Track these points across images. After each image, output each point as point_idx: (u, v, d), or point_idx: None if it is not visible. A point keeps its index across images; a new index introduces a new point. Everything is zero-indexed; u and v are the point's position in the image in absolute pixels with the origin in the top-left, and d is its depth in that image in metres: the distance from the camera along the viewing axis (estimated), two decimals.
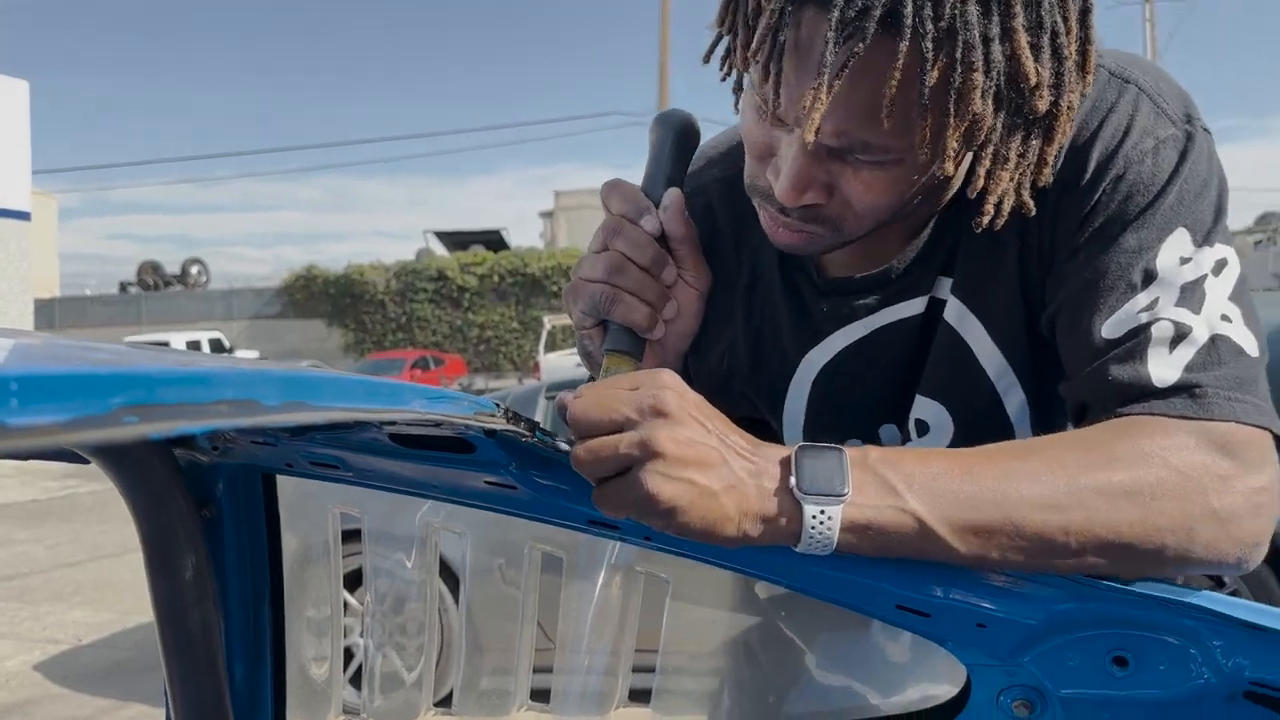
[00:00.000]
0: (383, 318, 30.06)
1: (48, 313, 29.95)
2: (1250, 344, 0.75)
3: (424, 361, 23.50)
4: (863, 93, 0.70)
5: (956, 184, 0.82)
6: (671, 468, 0.65)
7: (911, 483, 0.68)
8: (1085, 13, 0.74)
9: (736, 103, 0.84)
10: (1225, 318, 0.75)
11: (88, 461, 0.75)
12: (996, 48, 0.69)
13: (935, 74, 0.68)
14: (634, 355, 0.84)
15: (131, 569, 6.70)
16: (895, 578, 0.70)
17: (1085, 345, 0.77)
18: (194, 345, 26.14)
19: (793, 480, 0.67)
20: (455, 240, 34.03)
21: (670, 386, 0.69)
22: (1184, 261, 0.76)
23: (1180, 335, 0.74)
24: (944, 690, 0.76)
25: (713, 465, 0.67)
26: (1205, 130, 0.81)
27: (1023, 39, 0.69)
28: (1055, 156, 0.77)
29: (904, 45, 0.67)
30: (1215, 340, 0.74)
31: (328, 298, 30.77)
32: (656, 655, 0.86)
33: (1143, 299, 0.76)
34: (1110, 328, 0.76)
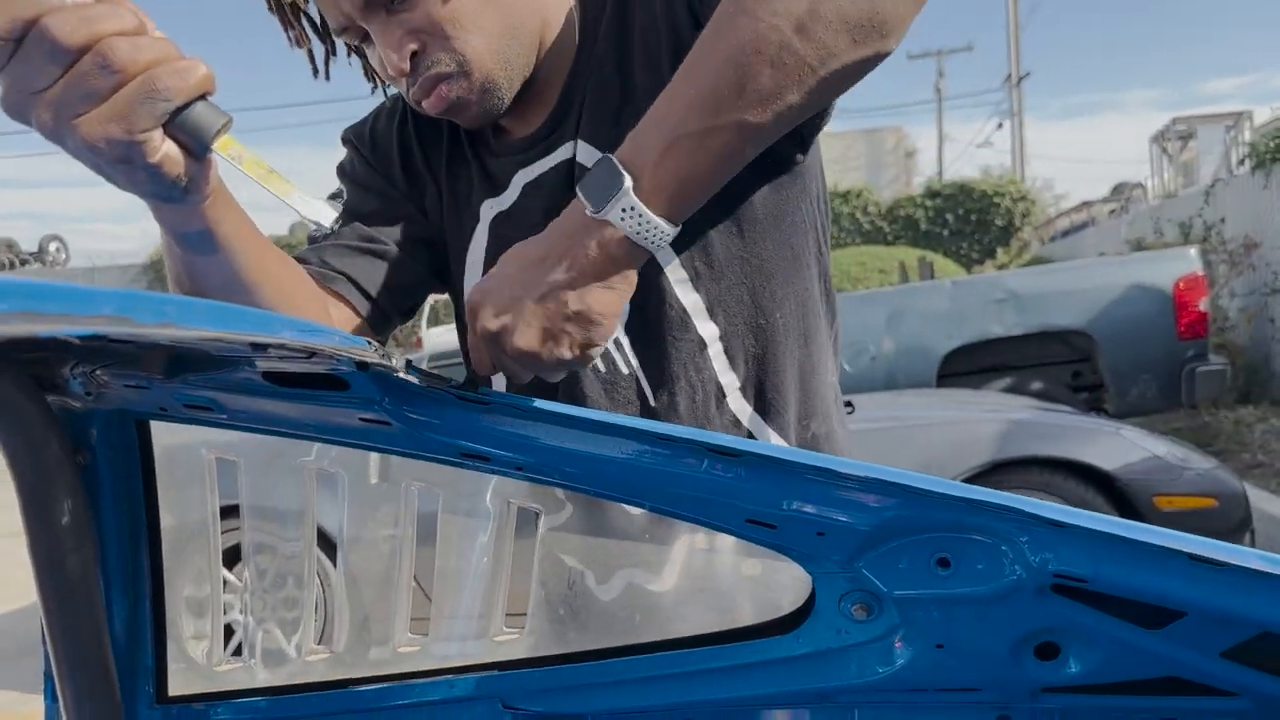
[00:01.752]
0: None
1: None
2: None
3: None
4: None
5: None
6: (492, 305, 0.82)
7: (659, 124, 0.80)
8: None
9: (374, 89, 1.14)
10: None
11: None
12: None
13: None
14: (230, 120, 0.68)
15: None
16: (745, 493, 0.76)
17: None
18: None
19: (587, 210, 0.80)
20: None
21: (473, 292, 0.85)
22: None
23: None
24: (791, 600, 0.83)
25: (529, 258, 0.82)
26: None
27: None
28: None
29: None
30: None
31: None
32: (531, 581, 0.91)
33: None
34: None
